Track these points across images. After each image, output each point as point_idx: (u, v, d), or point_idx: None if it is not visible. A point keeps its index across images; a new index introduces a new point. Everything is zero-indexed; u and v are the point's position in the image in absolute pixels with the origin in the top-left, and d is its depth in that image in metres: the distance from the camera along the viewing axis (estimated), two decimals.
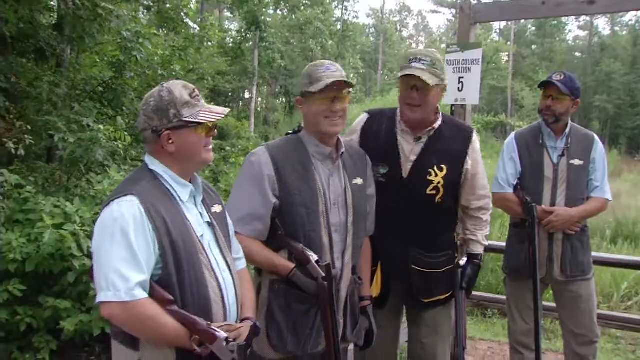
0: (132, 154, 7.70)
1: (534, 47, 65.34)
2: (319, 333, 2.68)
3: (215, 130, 2.30)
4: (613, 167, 32.01)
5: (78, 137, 6.11)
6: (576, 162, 3.87)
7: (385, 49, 67.58)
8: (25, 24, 7.63)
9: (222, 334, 2.06)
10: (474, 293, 5.59)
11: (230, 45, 32.67)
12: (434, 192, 3.10)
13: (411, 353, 3.48)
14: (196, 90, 2.26)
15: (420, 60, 2.96)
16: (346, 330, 2.84)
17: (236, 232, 2.58)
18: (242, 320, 2.33)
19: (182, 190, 2.24)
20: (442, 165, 3.10)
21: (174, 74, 8.37)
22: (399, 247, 3.16)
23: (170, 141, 2.17)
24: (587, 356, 3.94)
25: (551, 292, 4.18)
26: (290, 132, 2.86)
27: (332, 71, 2.67)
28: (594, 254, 4.90)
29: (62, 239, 5.00)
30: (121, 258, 1.99)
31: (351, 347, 3.16)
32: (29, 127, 6.14)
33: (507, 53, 56.82)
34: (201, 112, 2.19)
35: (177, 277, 2.09)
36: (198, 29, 12.64)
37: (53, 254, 5.04)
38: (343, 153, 2.82)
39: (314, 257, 2.59)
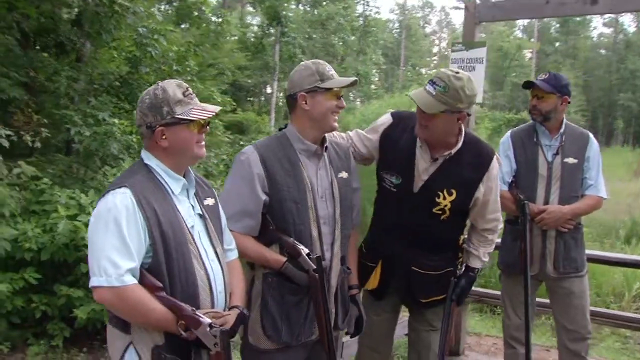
0: None
1: (557, 44, 64.74)
2: (312, 323, 2.77)
3: (208, 127, 2.40)
4: (636, 166, 31.61)
5: (93, 131, 6.28)
6: (570, 160, 3.92)
7: (408, 45, 67.41)
8: (46, 19, 7.81)
9: (206, 320, 2.16)
10: (483, 290, 5.66)
11: (252, 40, 32.84)
12: (439, 212, 3.11)
13: (409, 342, 3.55)
14: (189, 89, 2.36)
15: (434, 84, 2.90)
16: (337, 318, 2.93)
17: (229, 229, 2.68)
18: (230, 309, 2.42)
19: (174, 183, 2.34)
20: (453, 190, 3.08)
21: (188, 69, 8.49)
22: (401, 250, 3.20)
23: (164, 137, 2.27)
24: (579, 352, 3.99)
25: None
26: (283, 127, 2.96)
27: (334, 71, 2.82)
28: (605, 253, 4.92)
29: (75, 230, 5.16)
30: (113, 246, 2.09)
31: (345, 339, 3.26)
32: (45, 120, 6.30)
33: (530, 50, 56.43)
34: (193, 110, 2.28)
35: (166, 265, 2.19)
36: (220, 20, 12.70)
37: (67, 244, 5.21)
38: (327, 147, 2.91)
39: (304, 250, 2.68)
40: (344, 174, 2.95)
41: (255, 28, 35.87)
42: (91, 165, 6.80)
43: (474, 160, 3.12)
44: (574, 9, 4.35)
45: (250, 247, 2.76)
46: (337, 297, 2.92)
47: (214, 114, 2.36)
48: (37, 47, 8.08)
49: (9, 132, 5.52)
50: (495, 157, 3.19)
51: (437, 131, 3.01)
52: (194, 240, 2.32)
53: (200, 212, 2.44)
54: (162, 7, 16.57)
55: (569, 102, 3.95)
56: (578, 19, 58.41)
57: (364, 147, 3.29)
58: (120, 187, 2.20)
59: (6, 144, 5.46)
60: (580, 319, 3.99)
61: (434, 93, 2.89)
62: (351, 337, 3.19)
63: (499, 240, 4.09)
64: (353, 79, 2.83)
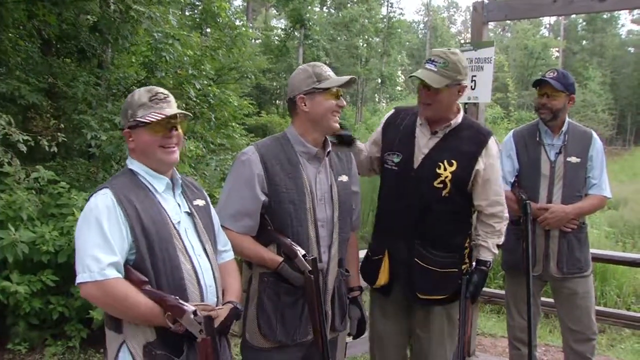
0: None
1: (584, 42, 63.96)
2: (307, 323, 2.79)
3: (175, 131, 2.40)
4: None
5: (110, 135, 6.36)
6: (573, 159, 3.90)
7: (435, 45, 67.10)
8: (68, 25, 7.95)
9: (190, 307, 2.18)
10: (501, 292, 5.60)
11: (276, 43, 33.00)
12: (440, 185, 3.10)
13: (411, 350, 3.52)
14: (160, 95, 2.40)
15: (433, 61, 3.04)
16: (334, 320, 2.94)
17: (227, 229, 2.73)
18: (224, 304, 2.45)
19: (157, 182, 2.40)
20: (453, 161, 3.11)
21: (204, 73, 8.55)
22: (405, 237, 3.19)
23: (131, 139, 2.38)
24: (584, 353, 3.95)
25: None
26: None
27: (330, 71, 2.86)
28: (630, 254, 4.83)
29: None
30: (95, 244, 2.16)
31: (348, 339, 3.27)
32: (63, 125, 6.40)
33: (556, 49, 55.80)
34: (152, 113, 2.33)
35: (150, 260, 2.24)
36: (240, 24, 12.79)
37: None
38: (329, 152, 2.92)
39: (301, 252, 2.70)
40: (343, 178, 2.97)
41: (280, 31, 36.06)
42: (109, 169, 6.89)
43: (472, 135, 3.20)
44: (581, 6, 4.30)
45: (248, 246, 2.79)
46: (334, 300, 2.93)
47: (164, 117, 2.34)
48: (60, 54, 8.23)
49: (26, 137, 5.62)
50: (493, 137, 3.23)
51: (442, 106, 3.12)
52: (179, 235, 2.36)
53: (188, 211, 2.48)
54: (187, 13, 16.78)
55: (574, 101, 3.94)
56: (605, 16, 57.68)
57: (374, 144, 3.39)
58: (101, 189, 2.29)
59: (24, 148, 5.55)
60: (585, 319, 3.95)
61: (436, 69, 3.03)
62: (353, 339, 3.19)
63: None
64: (348, 77, 2.85)
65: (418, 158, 3.17)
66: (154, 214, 2.31)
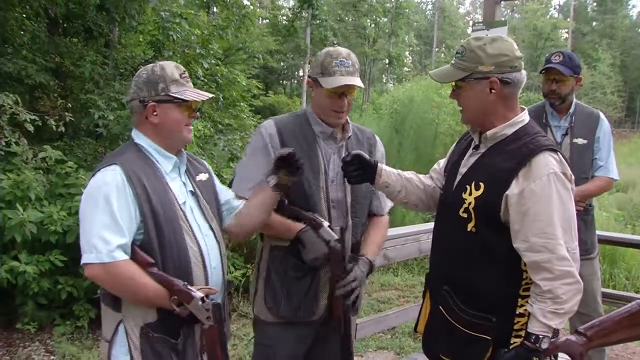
0: None
1: (594, 23, 63.38)
2: (313, 301, 2.74)
3: (197, 113, 2.43)
4: None
5: (117, 115, 6.34)
6: (579, 141, 3.86)
7: (443, 26, 66.66)
8: (74, 4, 7.90)
9: (198, 294, 2.17)
10: None
11: (284, 23, 32.87)
12: (465, 215, 2.36)
13: None
14: (186, 72, 2.40)
15: (456, 53, 2.42)
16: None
17: (246, 199, 2.66)
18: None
19: (165, 162, 2.35)
20: (481, 183, 2.33)
21: (212, 52, 8.50)
22: (437, 279, 2.57)
23: (155, 113, 2.30)
24: None
25: None
26: None
27: (346, 67, 2.66)
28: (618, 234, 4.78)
29: None
30: (103, 223, 2.10)
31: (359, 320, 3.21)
32: (69, 105, 6.39)
33: (566, 30, 55.34)
34: (187, 91, 2.32)
35: (157, 241, 2.19)
36: (250, 4, 12.70)
37: None
38: (350, 136, 2.85)
39: (325, 222, 2.65)
40: None
41: (287, 11, 35.88)
42: (115, 148, 6.88)
43: (514, 150, 2.32)
44: None
45: (272, 216, 2.68)
46: None
47: (206, 98, 2.40)
48: (66, 33, 8.20)
49: (33, 117, 5.60)
50: (550, 154, 2.30)
51: (469, 109, 2.43)
52: (185, 216, 2.32)
53: (192, 190, 2.44)
54: None
55: (581, 83, 3.92)
56: None
57: (435, 171, 2.83)
58: (110, 164, 2.20)
59: (31, 128, 5.54)
60: (590, 302, 3.92)
61: (454, 62, 2.41)
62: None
63: None
64: (347, 82, 2.63)
65: (457, 180, 2.50)
66: (162, 194, 2.26)
